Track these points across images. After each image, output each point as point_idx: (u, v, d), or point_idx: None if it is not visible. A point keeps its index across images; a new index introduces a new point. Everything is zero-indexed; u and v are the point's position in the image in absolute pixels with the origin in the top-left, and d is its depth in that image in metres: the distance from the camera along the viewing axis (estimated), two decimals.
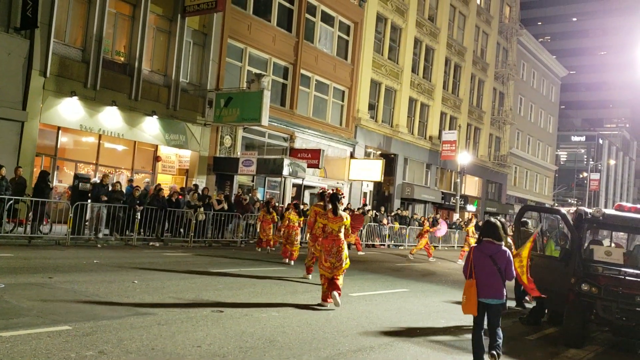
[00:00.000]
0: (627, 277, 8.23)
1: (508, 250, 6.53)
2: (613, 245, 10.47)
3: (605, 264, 8.63)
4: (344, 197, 10.23)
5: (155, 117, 19.64)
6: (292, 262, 14.98)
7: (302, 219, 15.66)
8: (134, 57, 19.18)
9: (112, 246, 15.53)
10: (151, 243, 16.77)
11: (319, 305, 9.30)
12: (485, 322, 6.50)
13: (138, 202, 16.69)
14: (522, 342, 8.69)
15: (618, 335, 8.71)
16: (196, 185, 20.43)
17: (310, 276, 12.28)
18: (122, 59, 19.43)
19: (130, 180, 18.96)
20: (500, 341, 6.39)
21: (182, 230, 18.02)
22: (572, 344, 8.39)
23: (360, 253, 21.06)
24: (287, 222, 15.45)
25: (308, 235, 10.58)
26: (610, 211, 9.44)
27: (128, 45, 19.46)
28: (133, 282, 9.71)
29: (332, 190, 9.78)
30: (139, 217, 16.53)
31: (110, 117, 18.49)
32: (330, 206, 9.38)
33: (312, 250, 10.92)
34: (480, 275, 6.37)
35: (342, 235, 9.35)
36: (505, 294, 6.47)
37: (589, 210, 9.14)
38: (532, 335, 9.20)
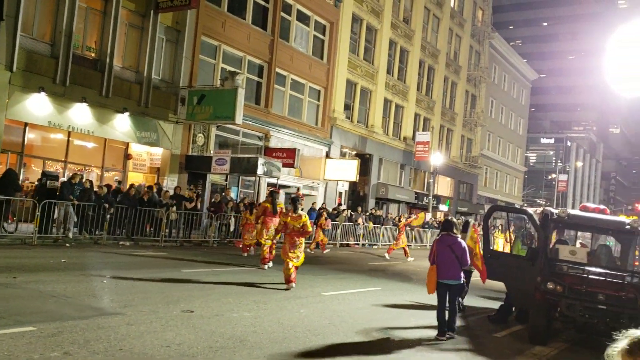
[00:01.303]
0: (590, 276, 8.44)
1: (463, 242, 8.30)
2: (578, 244, 10.71)
3: (570, 263, 8.83)
4: (303, 199, 12.82)
5: (126, 114, 19.37)
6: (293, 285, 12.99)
7: (304, 219, 14.60)
8: (105, 53, 18.90)
9: (81, 245, 15.27)
10: (121, 242, 16.55)
11: (286, 288, 10.93)
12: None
13: (103, 200, 16.46)
14: (490, 340, 8.84)
15: (581, 332, 8.92)
16: (195, 185, 20.32)
17: (252, 254, 14.98)
18: (93, 54, 19.12)
19: (118, 182, 18.74)
20: (455, 315, 8.33)
21: (152, 229, 17.81)
22: (537, 341, 8.56)
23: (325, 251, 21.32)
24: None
25: (259, 226, 14.24)
26: (575, 212, 9.66)
27: (99, 40, 19.16)
28: (102, 282, 9.58)
29: (294, 194, 12.46)
30: (109, 216, 16.30)
31: (80, 114, 18.18)
32: (291, 207, 11.42)
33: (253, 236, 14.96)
34: (441, 262, 8.08)
35: (300, 230, 11.17)
36: (462, 276, 8.25)
37: (554, 211, 9.35)
38: (499, 333, 9.36)
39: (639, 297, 8.16)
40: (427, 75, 40.45)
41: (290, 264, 11.01)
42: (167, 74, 21.56)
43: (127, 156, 20.71)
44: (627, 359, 1.93)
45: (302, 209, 11.50)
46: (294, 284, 11.04)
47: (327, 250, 21.65)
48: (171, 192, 19.19)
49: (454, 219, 9.13)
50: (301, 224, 11.06)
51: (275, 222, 13.62)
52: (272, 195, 14.82)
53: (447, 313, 8.20)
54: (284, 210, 12.65)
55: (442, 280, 8.03)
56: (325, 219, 22.34)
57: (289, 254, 11.05)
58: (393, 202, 36.87)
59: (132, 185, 18.02)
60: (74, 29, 17.84)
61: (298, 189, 27.83)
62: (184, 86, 21.54)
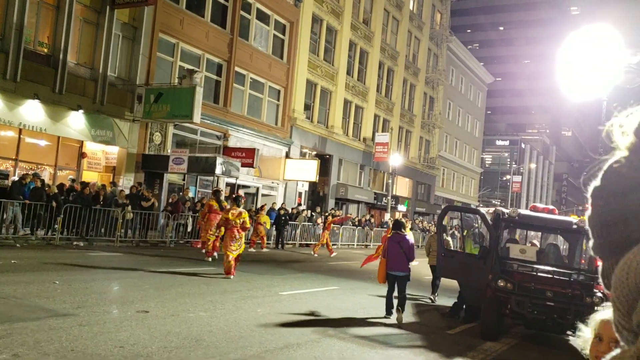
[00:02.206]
0: (539, 274, 8.74)
1: (411, 239, 9.68)
2: (529, 244, 11.06)
3: (520, 262, 9.12)
4: (244, 198, 14.69)
5: (80, 111, 18.93)
6: (232, 277, 13.18)
7: (244, 215, 14.62)
8: (59, 49, 18.43)
9: (33, 246, 14.86)
10: (75, 242, 16.18)
11: (224, 277, 12.09)
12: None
13: (54, 199, 16.06)
14: (443, 336, 9.05)
15: (530, 328, 9.23)
16: (139, 183, 19.94)
17: (210, 259, 15.02)
18: (46, 50, 18.62)
19: (72, 180, 18.28)
20: (404, 301, 9.56)
21: (103, 230, 17.43)
22: (488, 337, 8.81)
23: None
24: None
25: (203, 223, 15.41)
26: (525, 212, 9.99)
27: (52, 36, 18.66)
28: (54, 283, 9.36)
29: (234, 194, 14.34)
30: (61, 216, 15.90)
31: (32, 111, 17.68)
32: (233, 204, 12.92)
33: (206, 235, 15.27)
34: (391, 256, 9.43)
35: (239, 226, 12.45)
36: (409, 268, 9.56)
37: (506, 211, 9.64)
38: (452, 330, 9.59)
39: (584, 294, 8.49)
40: (386, 77, 40.91)
41: (230, 257, 12.17)
42: (123, 71, 21.17)
43: (82, 155, 20.25)
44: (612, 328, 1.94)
45: (242, 207, 13.05)
46: (232, 276, 12.18)
47: (334, 254, 21.83)
48: (127, 192, 18.87)
49: (404, 220, 10.68)
50: (241, 220, 12.42)
51: (214, 217, 14.87)
52: (217, 194, 16.33)
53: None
54: (227, 207, 13.80)
55: (391, 272, 9.51)
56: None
57: (230, 247, 12.23)
58: (353, 203, 37.15)
59: (85, 184, 17.63)
60: (25, 23, 17.33)
61: (257, 189, 27.79)
62: (141, 84, 21.20)
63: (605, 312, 2.01)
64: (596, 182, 0.81)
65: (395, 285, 9.54)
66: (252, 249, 21.18)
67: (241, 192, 26.87)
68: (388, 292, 9.64)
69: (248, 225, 12.82)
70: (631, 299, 0.66)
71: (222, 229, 13.08)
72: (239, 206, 12.71)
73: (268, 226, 21.77)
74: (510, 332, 9.83)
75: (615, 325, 0.69)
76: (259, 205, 24.78)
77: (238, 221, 12.37)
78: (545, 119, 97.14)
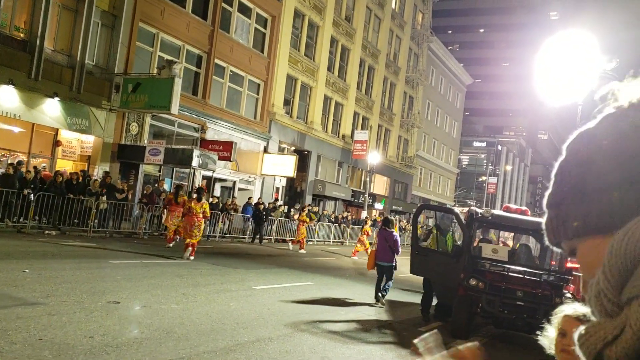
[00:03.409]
0: (510, 274, 8.87)
1: (396, 235, 11.35)
2: (501, 244, 11.21)
3: (492, 261, 9.25)
4: (205, 190, 17.39)
5: (56, 99, 18.59)
6: (192, 258, 14.02)
7: (205, 206, 14.91)
8: (36, 35, 18.07)
9: (3, 233, 14.59)
10: (47, 231, 15.93)
11: (183, 257, 13.73)
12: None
13: (32, 186, 15.79)
14: (414, 333, 9.12)
15: (500, 327, 9.37)
16: (106, 172, 19.62)
17: (171, 244, 16.13)
18: (22, 35, 18.23)
19: (42, 168, 17.94)
20: (388, 287, 11.18)
21: (77, 220, 17.18)
22: (458, 335, 8.91)
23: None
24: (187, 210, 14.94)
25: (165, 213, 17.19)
26: (498, 212, 10.12)
27: (29, 21, 18.29)
28: (23, 271, 9.21)
29: (198, 186, 17.62)
30: (33, 203, 15.64)
31: (6, 97, 17.31)
32: (195, 195, 14.94)
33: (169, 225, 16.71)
34: (379, 249, 11.20)
35: (201, 214, 14.32)
36: (394, 260, 11.10)
37: (479, 211, 9.76)
38: (423, 327, 9.68)
39: (554, 295, 8.65)
40: (367, 75, 41.01)
41: (189, 241, 13.95)
42: (101, 59, 20.86)
43: (57, 143, 19.92)
44: (574, 323, 1.94)
45: (204, 198, 15.30)
46: (192, 257, 13.82)
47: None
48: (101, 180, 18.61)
49: (392, 218, 12.60)
50: (203, 209, 14.51)
51: (178, 210, 16.26)
52: (177, 189, 18.06)
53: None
54: (185, 199, 16.17)
55: (378, 262, 11.14)
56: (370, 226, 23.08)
57: (189, 233, 14.02)
58: (330, 199, 37.21)
59: (58, 172, 17.34)
60: (1, 6, 16.97)
61: (234, 183, 27.65)
62: (119, 73, 20.92)
63: (566, 308, 2.04)
64: (590, 133, 0.75)
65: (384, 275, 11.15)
66: (292, 246, 22.12)
67: (217, 186, 26.76)
68: (377, 281, 11.19)
69: (208, 214, 15.28)
70: (626, 271, 0.63)
71: (184, 216, 14.74)
72: (200, 199, 14.60)
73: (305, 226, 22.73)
74: (480, 331, 9.96)
75: (596, 295, 0.66)
76: (303, 205, 25.61)
77: (199, 210, 14.35)
78: (522, 122, 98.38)
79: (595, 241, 0.71)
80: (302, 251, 21.67)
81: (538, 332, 2.13)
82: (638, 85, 0.75)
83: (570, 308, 2.00)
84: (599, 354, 0.64)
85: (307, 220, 22.64)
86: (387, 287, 11.12)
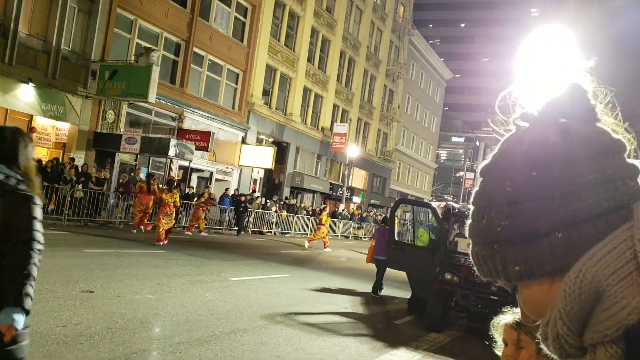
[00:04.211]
0: (474, 269, 8.97)
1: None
2: None
3: (467, 256, 9.33)
4: (175, 182, 18.23)
5: (31, 84, 18.21)
6: (162, 244, 14.75)
7: (176, 196, 16.16)
8: (9, 18, 17.63)
9: None
10: None
11: (156, 244, 14.37)
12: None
13: None
14: (390, 326, 9.21)
15: (474, 321, 9.48)
16: (72, 159, 19.28)
17: (142, 229, 17.16)
18: None
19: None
20: (380, 281, 11.98)
21: (52, 207, 16.93)
22: (433, 329, 9.02)
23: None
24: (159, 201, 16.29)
25: (135, 200, 17.66)
26: None
27: (3, 4, 17.83)
28: None
29: (170, 177, 18.40)
30: None
31: None
32: (167, 186, 16.14)
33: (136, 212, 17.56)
34: (377, 244, 12.17)
35: (172, 204, 15.48)
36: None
37: (456, 205, 9.85)
38: (399, 320, 9.77)
39: None
40: (347, 67, 40.98)
41: (161, 228, 14.80)
42: (77, 45, 20.47)
43: (31, 129, 19.51)
44: (512, 331, 2.07)
45: (175, 189, 16.43)
46: (162, 242, 14.61)
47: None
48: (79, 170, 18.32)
49: (387, 216, 15.06)
50: (173, 199, 15.62)
51: (148, 199, 17.19)
52: (148, 177, 18.55)
53: None
54: (157, 189, 17.29)
55: (376, 256, 12.05)
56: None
57: (162, 221, 14.92)
58: (308, 192, 37.20)
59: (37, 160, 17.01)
60: None
61: (211, 173, 27.47)
62: (96, 59, 20.56)
63: (505, 317, 2.12)
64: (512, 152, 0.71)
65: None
66: (308, 244, 21.70)
67: (194, 176, 26.56)
68: (377, 273, 12.11)
69: (178, 204, 16.45)
70: (584, 314, 0.61)
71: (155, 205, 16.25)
72: (171, 190, 15.73)
73: (328, 224, 22.94)
74: (454, 325, 10.08)
75: (554, 339, 0.64)
76: (321, 206, 25.74)
77: (170, 200, 15.48)
78: (500, 118, 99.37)
79: (541, 284, 0.68)
80: (327, 249, 21.80)
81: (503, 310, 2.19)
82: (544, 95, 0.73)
83: (509, 316, 2.08)
84: None
85: (327, 221, 22.59)
86: (379, 280, 12.15)
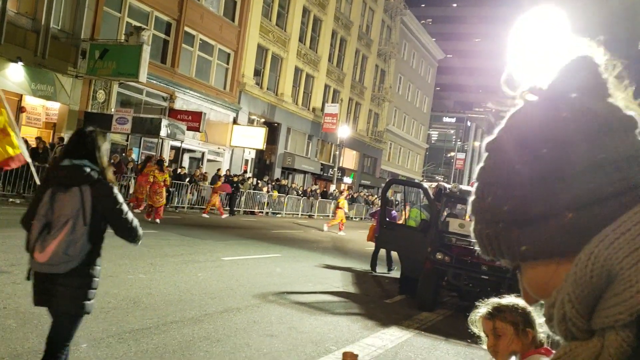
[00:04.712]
0: (475, 247, 9.07)
1: (394, 212, 12.71)
2: (467, 218, 11.40)
3: (459, 236, 9.43)
4: (166, 162, 18.88)
5: (20, 64, 17.97)
6: (158, 221, 15.54)
7: (166, 175, 16.96)
8: None
9: None
10: (11, 199, 15.58)
11: (151, 222, 15.05)
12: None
13: None
14: (380, 305, 9.31)
15: (465, 300, 9.60)
16: (62, 139, 19.12)
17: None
18: None
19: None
20: (387, 261, 12.80)
21: None
22: (424, 308, 9.13)
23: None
24: (150, 179, 16.62)
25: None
26: (466, 187, 10.29)
27: None
28: None
29: (159, 158, 18.47)
30: None
31: None
32: (157, 165, 16.85)
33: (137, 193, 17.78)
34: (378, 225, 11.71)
35: (162, 183, 16.29)
36: None
37: (448, 186, 9.91)
38: (391, 299, 9.88)
39: None
40: (339, 47, 40.72)
41: (153, 206, 15.84)
42: (67, 24, 20.18)
43: (21, 109, 19.32)
44: (487, 322, 2.18)
45: (167, 168, 17.55)
46: (158, 220, 15.46)
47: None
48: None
49: (391, 198, 14.70)
50: (164, 179, 16.57)
51: (142, 179, 17.33)
52: (146, 160, 18.62)
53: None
54: (153, 168, 17.27)
55: (376, 235, 11.82)
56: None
57: (154, 199, 15.93)
58: (299, 173, 37.21)
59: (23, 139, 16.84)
60: None
61: (203, 154, 27.38)
62: (86, 39, 20.30)
63: (479, 311, 2.21)
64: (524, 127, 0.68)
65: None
66: (326, 228, 22.54)
67: (186, 156, 26.46)
68: (374, 252, 12.57)
69: (168, 183, 17.35)
70: (593, 298, 0.59)
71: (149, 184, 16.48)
72: (161, 170, 16.56)
73: (347, 209, 23.38)
74: (445, 304, 10.20)
75: (560, 321, 0.62)
76: (340, 191, 25.77)
77: (161, 179, 16.37)
78: (491, 98, 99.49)
79: (548, 266, 0.66)
80: (341, 232, 22.19)
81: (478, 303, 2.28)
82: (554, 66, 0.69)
83: (483, 308, 2.17)
84: None
85: (344, 205, 22.89)
86: (375, 257, 12.64)
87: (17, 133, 5.85)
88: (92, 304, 3.58)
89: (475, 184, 0.74)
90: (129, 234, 3.58)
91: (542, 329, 2.06)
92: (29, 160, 5.93)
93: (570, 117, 0.65)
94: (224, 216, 21.48)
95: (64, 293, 3.42)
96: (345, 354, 1.23)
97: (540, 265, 0.67)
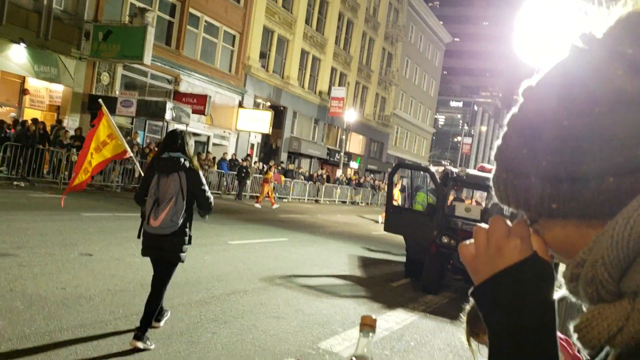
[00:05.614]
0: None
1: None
2: (474, 203, 11.35)
3: (465, 219, 9.37)
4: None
5: (22, 45, 17.89)
6: None
7: None
8: None
9: None
10: (15, 183, 15.60)
11: None
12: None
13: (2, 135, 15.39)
14: (387, 288, 9.30)
15: (470, 282, 9.57)
16: (59, 121, 19.09)
17: None
18: None
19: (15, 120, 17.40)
20: None
21: (46, 171, 16.85)
22: (429, 290, 9.11)
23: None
24: None
25: None
26: (473, 171, 10.21)
27: None
28: None
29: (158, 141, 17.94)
30: (0, 154, 15.25)
31: None
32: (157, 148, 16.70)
33: None
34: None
35: None
36: None
37: (455, 170, 9.83)
38: (396, 282, 9.86)
39: None
40: (345, 29, 40.33)
41: None
42: (70, 5, 20.04)
43: (24, 91, 19.30)
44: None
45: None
46: None
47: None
48: (72, 132, 18.19)
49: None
50: None
51: None
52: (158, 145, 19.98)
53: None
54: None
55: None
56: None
57: None
58: (305, 157, 37.07)
59: (22, 122, 16.82)
60: None
61: (208, 138, 27.31)
62: (89, 20, 20.17)
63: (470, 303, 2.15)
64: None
65: None
66: (381, 219, 22.06)
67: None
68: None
69: None
70: (627, 262, 0.58)
71: None
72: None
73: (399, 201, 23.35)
74: (451, 287, 10.18)
75: (588, 283, 0.61)
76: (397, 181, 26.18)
77: None
78: (498, 83, 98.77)
79: (578, 227, 0.64)
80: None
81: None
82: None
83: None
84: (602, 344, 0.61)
85: (399, 197, 23.12)
86: None
87: (121, 138, 6.50)
88: (185, 256, 4.84)
89: (506, 130, 0.70)
90: (208, 208, 4.90)
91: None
92: (132, 154, 6.85)
93: (626, 77, 0.60)
94: (274, 206, 21.67)
95: (168, 247, 4.72)
96: (364, 317, 1.19)
97: (570, 225, 0.65)
